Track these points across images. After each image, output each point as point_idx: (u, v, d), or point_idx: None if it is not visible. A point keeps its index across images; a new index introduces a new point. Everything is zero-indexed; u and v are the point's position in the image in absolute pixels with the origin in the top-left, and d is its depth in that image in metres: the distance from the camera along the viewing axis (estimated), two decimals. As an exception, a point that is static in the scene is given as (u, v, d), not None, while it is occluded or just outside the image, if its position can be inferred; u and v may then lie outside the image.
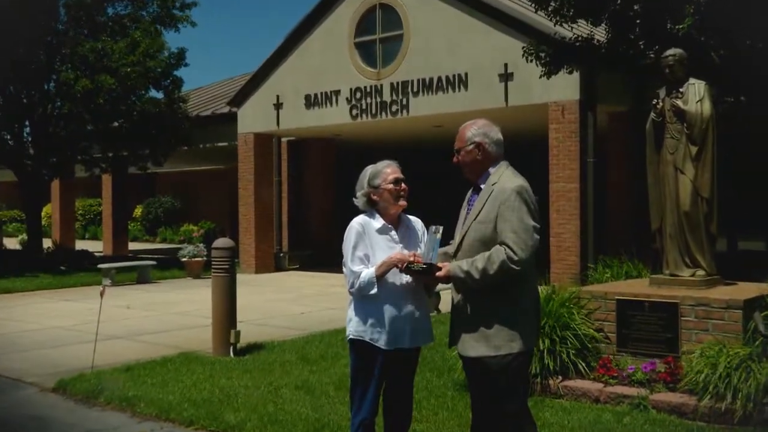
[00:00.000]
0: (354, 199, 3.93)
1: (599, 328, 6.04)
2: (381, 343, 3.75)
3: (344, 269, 3.84)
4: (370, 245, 3.79)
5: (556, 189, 12.89)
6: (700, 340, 5.55)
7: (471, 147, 3.56)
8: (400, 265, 3.66)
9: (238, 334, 7.96)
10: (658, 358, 5.68)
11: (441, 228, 3.64)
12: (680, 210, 5.96)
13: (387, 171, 3.85)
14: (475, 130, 3.57)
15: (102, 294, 7.51)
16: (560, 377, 5.82)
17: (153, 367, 7.22)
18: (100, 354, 7.63)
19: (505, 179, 3.50)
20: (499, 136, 3.61)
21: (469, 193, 3.72)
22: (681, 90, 5.98)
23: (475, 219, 3.51)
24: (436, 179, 20.47)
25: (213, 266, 8.02)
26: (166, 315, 11.15)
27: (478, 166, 3.58)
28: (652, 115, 6.09)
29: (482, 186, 3.57)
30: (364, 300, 3.77)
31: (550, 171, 12.99)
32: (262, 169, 18.02)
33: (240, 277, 11.09)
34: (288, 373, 6.92)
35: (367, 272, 3.71)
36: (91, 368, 7.09)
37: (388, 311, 3.75)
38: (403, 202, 3.85)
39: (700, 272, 5.99)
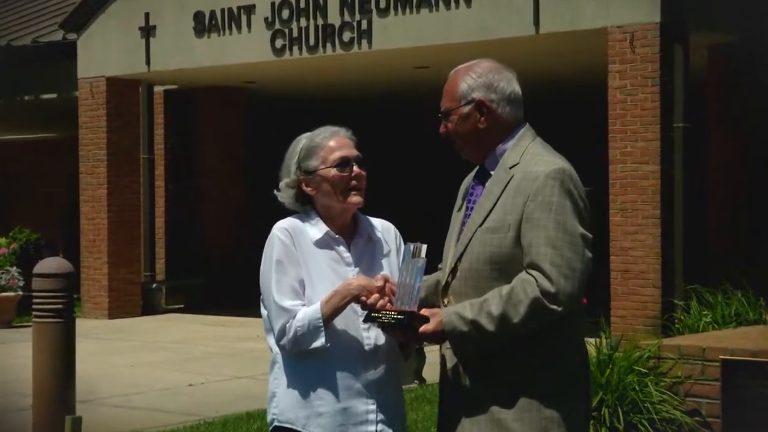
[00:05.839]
0: (276, 191, 3.94)
1: (694, 409, 6.09)
2: (322, 435, 3.77)
3: (264, 309, 3.84)
4: (306, 269, 3.79)
5: (621, 174, 12.98)
6: None
7: (467, 109, 3.60)
8: (363, 298, 3.67)
9: (78, 422, 7.91)
10: (791, 457, 5.76)
11: (425, 247, 3.64)
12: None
13: (329, 145, 3.86)
14: (471, 80, 3.61)
15: None
16: (627, 491, 5.89)
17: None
18: None
19: (532, 158, 3.54)
20: (515, 87, 3.65)
21: (468, 181, 3.75)
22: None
23: (481, 225, 3.54)
24: (420, 158, 20.54)
25: (35, 306, 7.95)
26: (-46, 391, 11.04)
27: (482, 138, 3.62)
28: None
29: (491, 171, 3.60)
30: (300, 361, 3.76)
31: (610, 144, 13.09)
32: (122, 140, 17.90)
33: (83, 325, 10.96)
34: (165, 488, 6.93)
35: (308, 311, 3.71)
36: None
37: (337, 382, 3.75)
38: (355, 198, 3.85)
39: None
